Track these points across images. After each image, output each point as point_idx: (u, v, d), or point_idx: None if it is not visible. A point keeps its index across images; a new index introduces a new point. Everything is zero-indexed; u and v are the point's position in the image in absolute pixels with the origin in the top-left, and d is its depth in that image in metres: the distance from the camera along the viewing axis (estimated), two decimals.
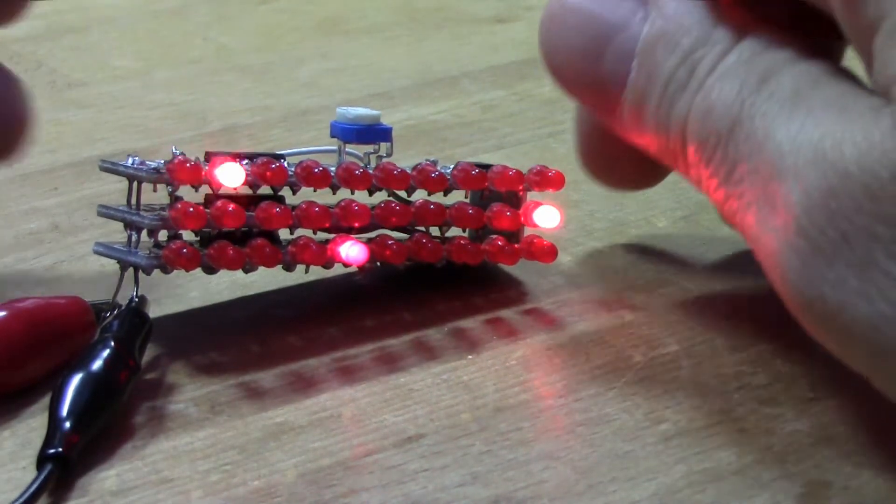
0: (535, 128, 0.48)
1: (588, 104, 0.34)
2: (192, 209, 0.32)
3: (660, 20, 0.31)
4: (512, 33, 0.59)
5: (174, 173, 0.32)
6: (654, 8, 0.31)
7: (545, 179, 0.37)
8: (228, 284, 0.37)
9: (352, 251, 0.34)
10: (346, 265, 0.35)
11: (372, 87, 0.53)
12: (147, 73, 0.55)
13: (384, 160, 0.35)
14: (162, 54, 0.58)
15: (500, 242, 0.36)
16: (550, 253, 0.37)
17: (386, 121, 0.36)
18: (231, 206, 0.32)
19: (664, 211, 0.41)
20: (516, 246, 0.37)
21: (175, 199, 0.33)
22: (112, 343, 0.31)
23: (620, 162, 0.36)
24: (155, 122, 0.50)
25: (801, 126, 0.27)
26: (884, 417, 0.31)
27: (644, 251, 0.39)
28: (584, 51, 0.33)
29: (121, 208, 0.33)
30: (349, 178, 0.34)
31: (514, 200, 0.37)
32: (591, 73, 0.33)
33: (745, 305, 0.36)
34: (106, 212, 0.34)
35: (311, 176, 0.34)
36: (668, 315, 0.36)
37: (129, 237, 0.33)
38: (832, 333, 0.27)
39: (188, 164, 0.32)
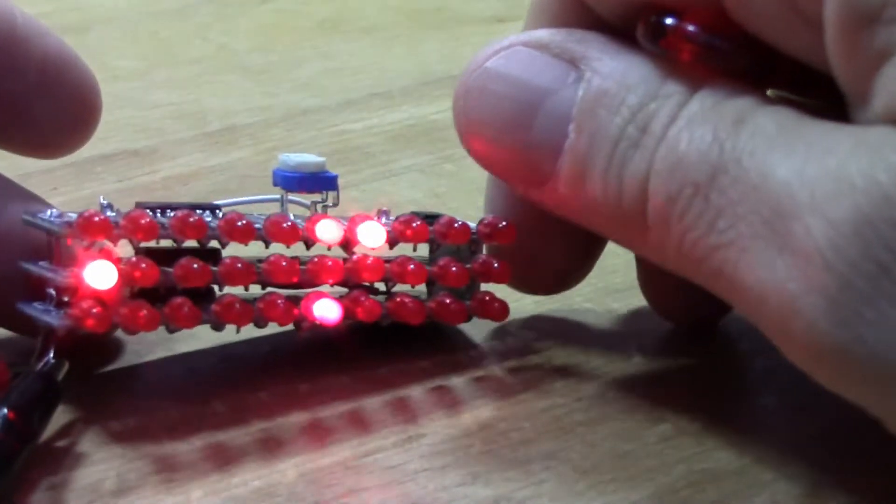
0: None
1: (515, 180, 0.32)
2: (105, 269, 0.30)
3: (597, 79, 0.30)
4: (512, 33, 0.59)
5: (82, 229, 0.31)
6: (588, 69, 0.30)
7: (496, 232, 0.34)
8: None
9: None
10: (280, 324, 0.33)
11: (372, 86, 0.53)
12: (147, 73, 0.55)
13: (326, 210, 0.34)
14: (162, 54, 0.58)
15: (446, 300, 0.34)
16: (502, 312, 0.34)
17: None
18: (144, 264, 0.31)
19: None
20: (464, 304, 0.34)
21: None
22: (4, 410, 0.29)
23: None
24: (155, 122, 0.50)
25: (804, 160, 0.26)
26: None
27: None
28: (510, 120, 0.31)
29: (41, 264, 0.32)
30: (276, 231, 0.32)
31: (466, 254, 0.35)
32: (520, 144, 0.31)
33: None
34: (26, 266, 0.32)
35: (235, 230, 0.32)
36: None
37: (48, 295, 0.31)
38: (868, 380, 0.25)
39: (96, 220, 0.31)
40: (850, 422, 0.30)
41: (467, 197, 0.43)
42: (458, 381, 0.33)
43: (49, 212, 0.32)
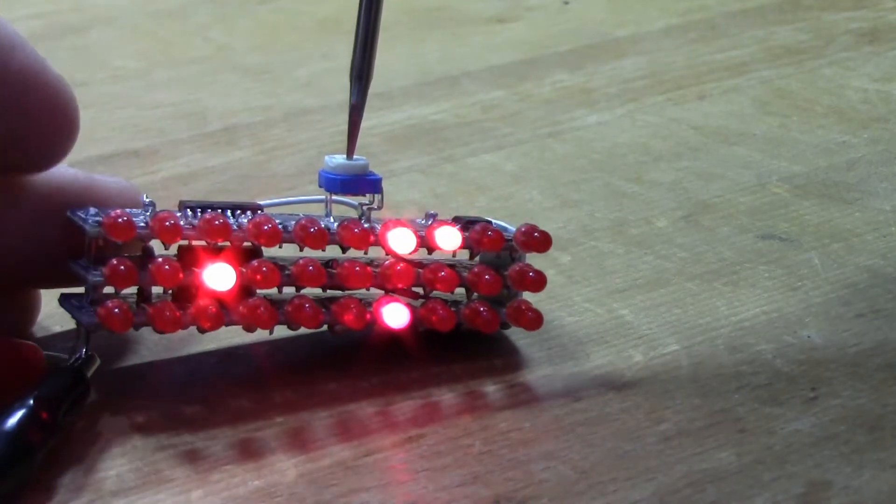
0: (535, 128, 0.48)
1: None
2: (122, 268, 0.31)
3: None
4: (512, 33, 0.59)
5: (109, 230, 0.31)
6: None
7: (532, 241, 0.34)
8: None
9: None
10: (308, 327, 0.33)
11: (372, 87, 0.53)
12: (147, 73, 0.55)
13: (371, 213, 0.34)
14: (162, 54, 0.58)
15: (480, 308, 0.33)
16: (535, 322, 0.34)
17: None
18: (167, 265, 0.31)
19: (664, 211, 0.41)
20: (498, 312, 0.33)
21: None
22: (31, 402, 0.29)
23: None
24: (155, 122, 0.50)
25: None
26: (884, 417, 0.31)
27: (644, 251, 0.39)
28: None
29: (80, 261, 0.32)
30: (304, 236, 0.32)
31: (507, 260, 0.34)
32: None
33: (745, 305, 0.36)
34: (71, 266, 0.32)
35: (261, 234, 0.32)
36: (668, 315, 0.36)
37: (86, 291, 0.32)
38: None
39: (120, 221, 0.31)
40: (851, 421, 0.30)
41: (467, 197, 0.43)
42: (456, 388, 0.33)
43: (90, 209, 0.32)
